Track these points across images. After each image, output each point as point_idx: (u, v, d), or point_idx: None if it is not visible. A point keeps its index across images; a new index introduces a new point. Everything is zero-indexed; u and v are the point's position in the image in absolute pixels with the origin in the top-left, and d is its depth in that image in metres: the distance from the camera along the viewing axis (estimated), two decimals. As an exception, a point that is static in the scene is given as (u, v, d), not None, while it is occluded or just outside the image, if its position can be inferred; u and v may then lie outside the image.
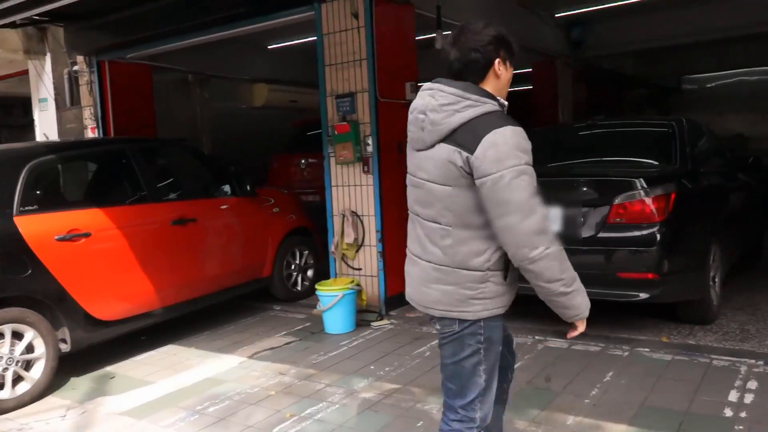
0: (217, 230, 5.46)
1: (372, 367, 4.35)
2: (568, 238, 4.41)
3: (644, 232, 4.19)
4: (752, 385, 3.66)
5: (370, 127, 5.44)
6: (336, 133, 5.53)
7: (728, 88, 15.66)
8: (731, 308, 5.30)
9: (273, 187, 7.21)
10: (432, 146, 2.05)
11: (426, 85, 2.13)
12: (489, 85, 2.08)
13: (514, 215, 1.93)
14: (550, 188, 4.62)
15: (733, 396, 3.53)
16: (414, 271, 2.20)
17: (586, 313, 2.14)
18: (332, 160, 5.70)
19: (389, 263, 5.54)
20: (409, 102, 5.91)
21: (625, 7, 9.21)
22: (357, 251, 5.63)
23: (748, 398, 3.49)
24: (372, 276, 5.60)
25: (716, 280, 5.02)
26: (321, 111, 5.76)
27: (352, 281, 5.27)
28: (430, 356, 4.48)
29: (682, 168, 4.85)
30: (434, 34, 6.12)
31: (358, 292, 5.28)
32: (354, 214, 5.59)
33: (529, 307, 5.34)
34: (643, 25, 9.98)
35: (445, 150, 2.00)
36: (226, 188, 5.68)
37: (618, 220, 4.25)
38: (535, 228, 1.94)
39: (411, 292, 2.24)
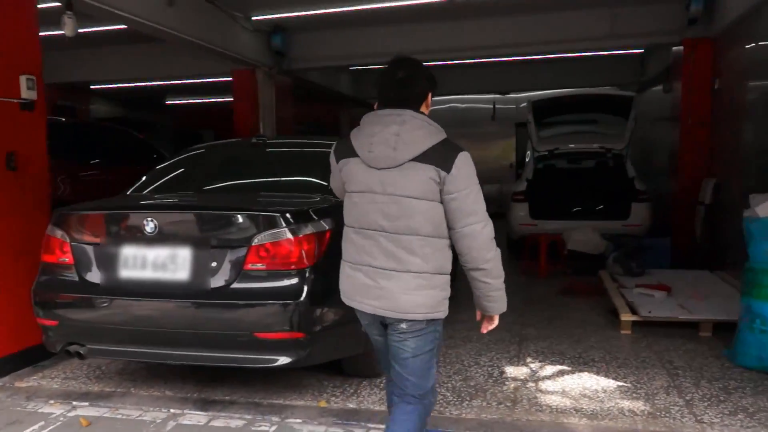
0: None
1: None
2: (193, 289, 3.61)
3: (289, 281, 3.53)
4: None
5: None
6: None
7: (442, 113, 16.69)
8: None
9: None
10: (401, 164, 2.40)
11: (386, 111, 2.50)
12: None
13: (478, 223, 2.43)
14: (178, 223, 3.74)
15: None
16: (389, 284, 2.47)
17: (504, 309, 2.60)
18: None
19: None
20: (27, 101, 4.75)
21: (327, 19, 8.93)
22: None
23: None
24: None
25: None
26: None
27: None
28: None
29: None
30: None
31: None
32: None
33: (170, 372, 4.50)
34: (352, 40, 9.84)
35: (424, 168, 2.38)
36: None
37: (258, 265, 3.54)
38: (492, 234, 2.47)
39: (385, 304, 2.49)
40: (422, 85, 2.55)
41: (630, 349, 5.04)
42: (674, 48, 8.83)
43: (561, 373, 4.53)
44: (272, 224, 3.54)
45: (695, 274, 7.10)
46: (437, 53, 9.68)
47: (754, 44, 6.63)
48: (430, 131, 2.45)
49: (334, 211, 3.87)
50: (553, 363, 4.75)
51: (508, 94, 15.35)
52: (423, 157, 2.39)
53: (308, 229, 3.60)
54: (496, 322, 2.67)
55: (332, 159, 2.69)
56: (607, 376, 4.45)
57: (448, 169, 2.37)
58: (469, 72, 13.60)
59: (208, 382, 4.37)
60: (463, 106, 15.76)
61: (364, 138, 2.50)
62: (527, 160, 10.33)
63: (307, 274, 3.54)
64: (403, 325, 2.52)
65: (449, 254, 2.54)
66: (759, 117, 6.43)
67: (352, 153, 2.54)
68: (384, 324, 2.62)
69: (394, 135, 2.42)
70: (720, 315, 5.38)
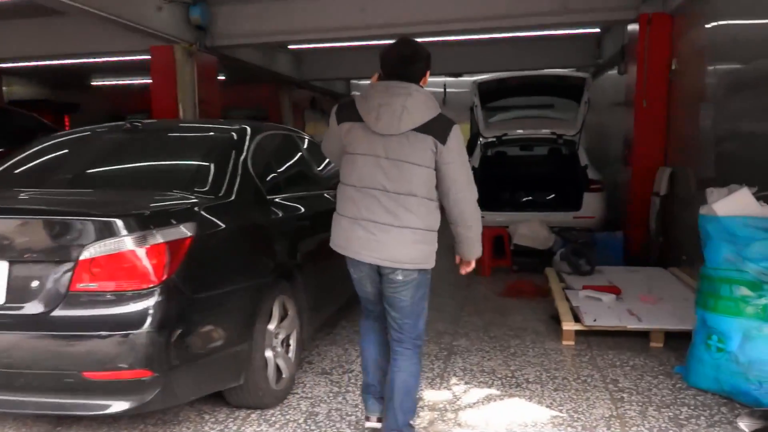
0: None
1: None
2: (6, 317, 2.86)
3: (130, 305, 2.79)
4: None
5: None
6: None
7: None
8: (316, 372, 4.32)
9: None
10: (403, 132, 2.77)
11: (394, 83, 2.84)
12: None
13: (467, 188, 2.88)
14: None
15: None
16: (388, 238, 2.83)
17: (480, 254, 3.07)
18: None
19: None
20: None
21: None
22: None
23: None
24: None
25: (291, 342, 3.98)
26: None
27: None
28: None
29: (240, 196, 3.63)
30: None
31: None
32: None
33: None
34: (284, 14, 9.05)
35: (423, 139, 2.78)
36: None
37: (89, 285, 2.79)
38: (476, 197, 2.93)
39: (384, 255, 2.84)
40: (423, 63, 2.91)
41: (570, 366, 4.43)
42: (630, 27, 8.26)
43: (488, 399, 3.89)
44: (107, 232, 2.79)
45: (648, 272, 6.56)
46: (381, 28, 8.93)
47: (714, 23, 6.05)
48: (430, 105, 2.82)
49: (201, 211, 3.17)
50: (480, 385, 4.11)
51: (461, 76, 14.66)
52: (423, 128, 2.76)
53: (158, 238, 2.86)
54: (473, 265, 3.15)
55: (332, 121, 2.97)
56: (540, 402, 3.82)
57: (444, 141, 2.76)
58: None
59: (62, 419, 3.62)
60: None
61: (373, 106, 2.81)
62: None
63: (155, 296, 2.81)
64: (399, 276, 2.88)
65: (438, 214, 2.94)
66: (719, 101, 5.86)
67: (356, 118, 2.86)
68: (379, 273, 2.94)
69: (401, 106, 2.75)
70: (673, 323, 4.81)
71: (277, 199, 4.10)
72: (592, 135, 12.53)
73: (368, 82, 3.19)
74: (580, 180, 8.24)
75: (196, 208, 3.16)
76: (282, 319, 3.89)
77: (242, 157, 3.88)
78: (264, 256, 3.68)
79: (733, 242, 3.75)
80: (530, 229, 7.69)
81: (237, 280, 3.32)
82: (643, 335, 4.86)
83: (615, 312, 5.12)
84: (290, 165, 4.75)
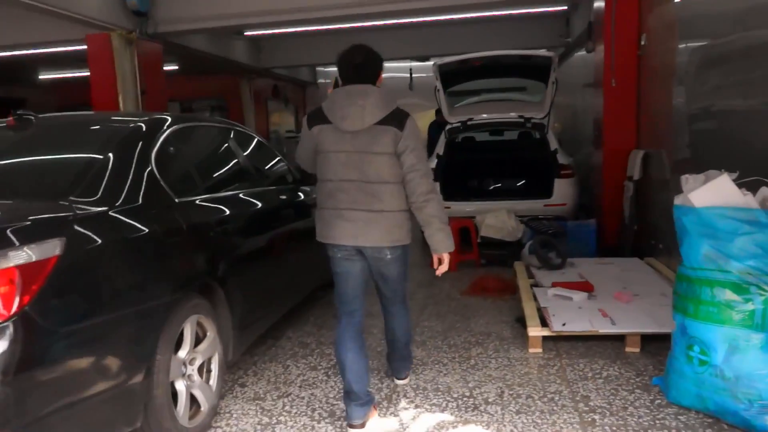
0: None
1: None
2: None
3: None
4: None
5: None
6: None
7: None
8: (246, 398, 3.77)
9: None
10: (367, 128, 3.08)
11: (352, 87, 3.15)
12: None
13: (421, 171, 3.16)
14: None
15: None
16: (370, 222, 3.14)
17: (452, 249, 3.26)
18: None
19: None
20: None
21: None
22: None
23: None
24: None
25: (212, 368, 3.45)
26: None
27: None
28: None
29: (134, 202, 3.05)
30: None
31: None
32: None
33: None
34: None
35: (385, 130, 3.09)
36: None
37: None
38: (431, 179, 3.25)
39: (369, 238, 3.17)
40: (375, 66, 3.22)
41: (537, 380, 3.90)
42: (596, 3, 7.74)
43: (439, 427, 3.35)
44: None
45: (623, 264, 6.08)
46: (344, 9, 8.31)
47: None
48: (386, 102, 3.13)
49: (72, 223, 2.57)
50: (432, 408, 3.57)
51: (428, 60, 14.04)
52: (383, 121, 3.08)
53: (7, 260, 2.27)
54: (445, 263, 3.27)
55: (305, 127, 3.26)
56: (498, 429, 3.29)
57: (401, 128, 3.09)
58: (383, 36, 12.23)
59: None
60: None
61: (337, 109, 3.12)
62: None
63: (2, 334, 2.23)
64: (388, 256, 3.25)
65: (404, 196, 3.20)
66: (692, 79, 5.35)
67: (325, 121, 3.17)
68: (361, 252, 3.25)
69: (362, 105, 3.07)
70: (649, 325, 4.31)
71: (192, 202, 3.52)
72: (564, 119, 12.05)
73: (334, 68, 3.33)
74: (550, 165, 7.73)
75: (65, 220, 2.56)
76: (198, 342, 3.34)
77: (142, 157, 3.29)
78: (167, 272, 3.08)
79: (714, 237, 3.24)
80: (497, 219, 7.18)
81: (124, 304, 2.74)
82: (618, 338, 4.37)
83: (586, 313, 4.61)
84: (216, 163, 4.17)
